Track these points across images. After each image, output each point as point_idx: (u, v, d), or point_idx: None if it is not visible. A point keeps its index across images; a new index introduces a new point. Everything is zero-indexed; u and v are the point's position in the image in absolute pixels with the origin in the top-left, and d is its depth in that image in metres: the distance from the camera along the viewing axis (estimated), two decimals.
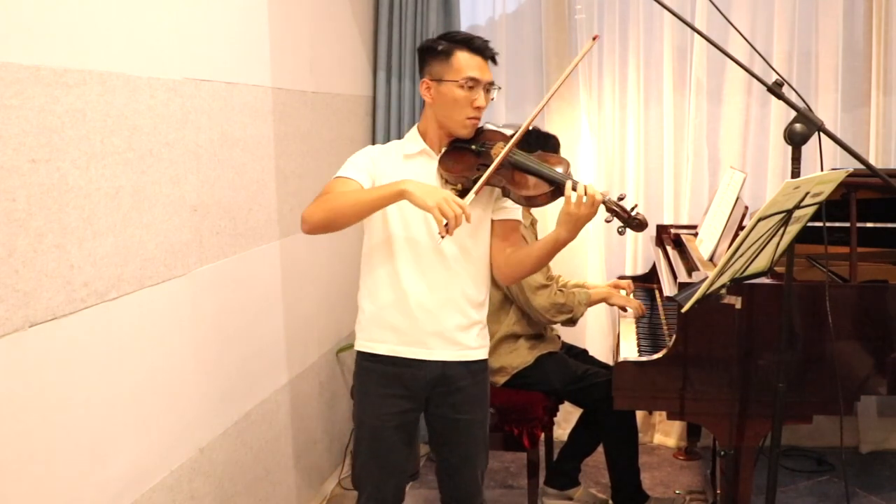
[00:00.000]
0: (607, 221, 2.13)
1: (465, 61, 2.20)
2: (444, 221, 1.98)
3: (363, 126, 3.89)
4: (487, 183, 2.16)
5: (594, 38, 2.23)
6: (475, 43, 2.23)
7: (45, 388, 1.84)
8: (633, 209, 2.11)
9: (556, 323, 3.20)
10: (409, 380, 2.28)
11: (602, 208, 2.11)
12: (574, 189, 2.07)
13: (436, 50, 2.24)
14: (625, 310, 3.31)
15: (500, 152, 2.16)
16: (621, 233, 2.14)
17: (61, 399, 1.89)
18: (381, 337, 2.29)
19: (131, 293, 2.13)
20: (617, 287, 3.42)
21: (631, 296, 3.41)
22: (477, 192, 2.12)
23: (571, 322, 3.20)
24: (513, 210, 2.31)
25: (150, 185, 2.19)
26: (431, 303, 2.24)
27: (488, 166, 2.16)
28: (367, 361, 2.32)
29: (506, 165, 2.18)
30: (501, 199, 2.29)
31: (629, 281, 3.48)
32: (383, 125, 3.91)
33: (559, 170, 2.19)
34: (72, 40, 1.90)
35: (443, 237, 2.03)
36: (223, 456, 2.61)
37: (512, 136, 2.20)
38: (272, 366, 2.99)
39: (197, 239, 2.44)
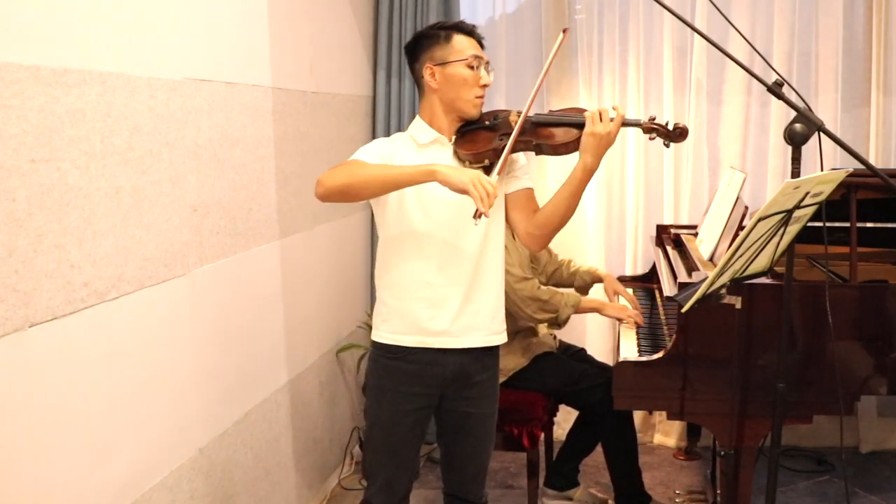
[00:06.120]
0: (651, 139, 2.28)
1: (464, 43, 2.28)
2: (480, 201, 1.93)
3: (363, 126, 3.89)
4: (514, 150, 2.21)
5: (564, 31, 2.28)
6: (466, 26, 2.34)
7: (45, 388, 1.84)
8: (667, 123, 2.22)
9: (538, 321, 3.12)
10: (429, 377, 2.27)
11: (639, 131, 2.26)
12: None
13: (436, 36, 2.29)
14: (620, 320, 3.18)
15: (516, 119, 2.20)
16: (667, 146, 2.28)
17: (61, 399, 1.89)
18: (406, 329, 2.26)
19: (131, 293, 2.13)
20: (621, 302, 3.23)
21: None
22: (502, 167, 2.12)
23: (556, 324, 3.13)
24: (524, 179, 2.33)
25: (150, 185, 2.19)
26: (456, 292, 2.23)
27: (509, 135, 2.18)
28: (387, 358, 2.29)
29: (528, 127, 2.24)
30: (510, 172, 2.30)
31: (636, 307, 3.25)
32: (383, 125, 3.91)
33: (580, 115, 2.24)
34: (72, 40, 1.90)
35: (477, 218, 1.97)
36: (223, 456, 2.61)
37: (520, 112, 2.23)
38: (272, 366, 2.99)
39: (197, 239, 2.44)
